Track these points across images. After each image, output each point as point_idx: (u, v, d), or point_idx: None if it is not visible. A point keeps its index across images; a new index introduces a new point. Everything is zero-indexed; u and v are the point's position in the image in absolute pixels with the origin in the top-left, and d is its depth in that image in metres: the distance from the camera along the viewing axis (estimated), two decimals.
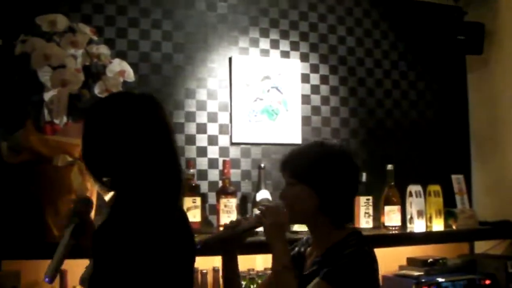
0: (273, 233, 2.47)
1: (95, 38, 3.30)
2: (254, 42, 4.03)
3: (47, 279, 2.17)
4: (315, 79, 4.16)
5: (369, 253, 2.42)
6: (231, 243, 2.61)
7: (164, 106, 2.32)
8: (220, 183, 3.69)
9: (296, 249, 2.72)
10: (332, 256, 2.39)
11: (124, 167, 2.16)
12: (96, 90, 3.23)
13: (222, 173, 3.67)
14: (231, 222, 2.63)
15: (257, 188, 3.73)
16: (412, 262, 3.99)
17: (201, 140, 3.85)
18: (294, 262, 2.53)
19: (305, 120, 4.09)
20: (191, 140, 3.81)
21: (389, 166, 3.98)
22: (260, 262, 3.69)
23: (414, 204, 3.95)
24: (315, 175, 2.46)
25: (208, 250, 2.45)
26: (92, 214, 2.87)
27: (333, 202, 2.46)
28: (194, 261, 2.32)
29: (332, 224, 2.49)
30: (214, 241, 2.48)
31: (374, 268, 2.41)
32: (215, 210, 3.69)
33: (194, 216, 3.43)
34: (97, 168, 2.24)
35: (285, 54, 4.10)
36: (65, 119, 3.16)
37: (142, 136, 2.18)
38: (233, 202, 3.55)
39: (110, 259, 2.03)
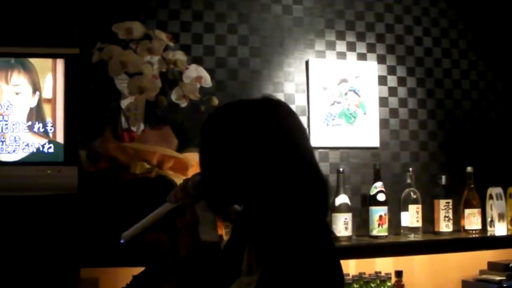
0: None
1: (171, 44, 3.21)
2: (331, 45, 3.86)
3: (122, 240, 2.07)
4: (392, 81, 3.97)
5: None
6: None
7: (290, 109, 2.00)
8: None
9: None
10: None
11: (265, 186, 1.84)
12: (173, 97, 3.16)
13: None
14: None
15: (335, 193, 3.56)
16: (493, 266, 3.78)
17: None
18: None
19: (383, 123, 3.91)
20: None
21: (469, 168, 3.83)
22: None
23: (494, 207, 3.79)
24: None
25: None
26: None
27: None
28: None
29: None
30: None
31: None
32: None
33: None
34: (229, 194, 1.92)
35: (361, 57, 3.92)
36: (142, 126, 3.10)
37: (278, 147, 1.85)
38: None
39: None
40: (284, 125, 1.90)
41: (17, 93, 2.91)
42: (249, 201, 1.90)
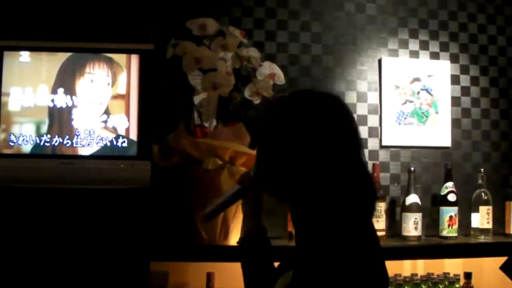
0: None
1: (245, 41, 3.15)
2: (403, 44, 3.73)
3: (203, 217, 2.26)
4: (465, 80, 3.81)
5: None
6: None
7: (347, 107, 1.95)
8: None
9: None
10: None
11: (313, 180, 1.80)
12: (246, 93, 3.11)
13: (371, 176, 3.38)
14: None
15: (406, 192, 3.44)
16: None
17: None
18: None
19: (455, 123, 3.75)
20: None
21: None
22: (408, 267, 3.44)
23: None
24: None
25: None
26: None
27: None
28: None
29: None
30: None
31: None
32: None
33: None
34: (280, 183, 1.87)
35: (434, 55, 3.77)
36: (214, 122, 3.07)
37: (332, 143, 1.81)
38: (382, 206, 3.31)
39: None
40: (335, 121, 1.87)
41: (93, 87, 2.93)
42: (294, 196, 1.87)
